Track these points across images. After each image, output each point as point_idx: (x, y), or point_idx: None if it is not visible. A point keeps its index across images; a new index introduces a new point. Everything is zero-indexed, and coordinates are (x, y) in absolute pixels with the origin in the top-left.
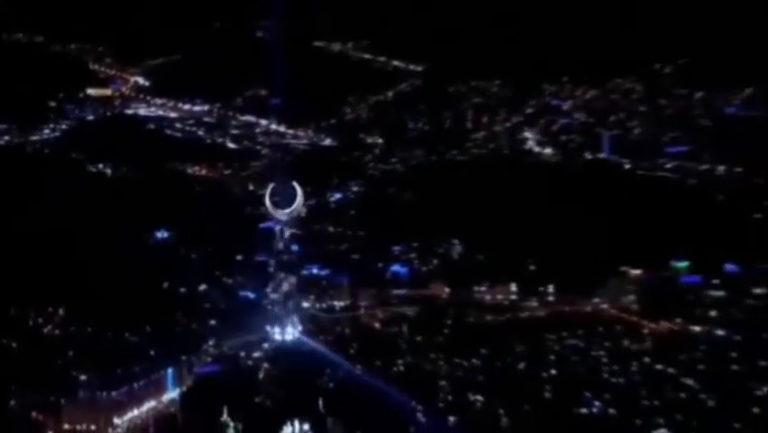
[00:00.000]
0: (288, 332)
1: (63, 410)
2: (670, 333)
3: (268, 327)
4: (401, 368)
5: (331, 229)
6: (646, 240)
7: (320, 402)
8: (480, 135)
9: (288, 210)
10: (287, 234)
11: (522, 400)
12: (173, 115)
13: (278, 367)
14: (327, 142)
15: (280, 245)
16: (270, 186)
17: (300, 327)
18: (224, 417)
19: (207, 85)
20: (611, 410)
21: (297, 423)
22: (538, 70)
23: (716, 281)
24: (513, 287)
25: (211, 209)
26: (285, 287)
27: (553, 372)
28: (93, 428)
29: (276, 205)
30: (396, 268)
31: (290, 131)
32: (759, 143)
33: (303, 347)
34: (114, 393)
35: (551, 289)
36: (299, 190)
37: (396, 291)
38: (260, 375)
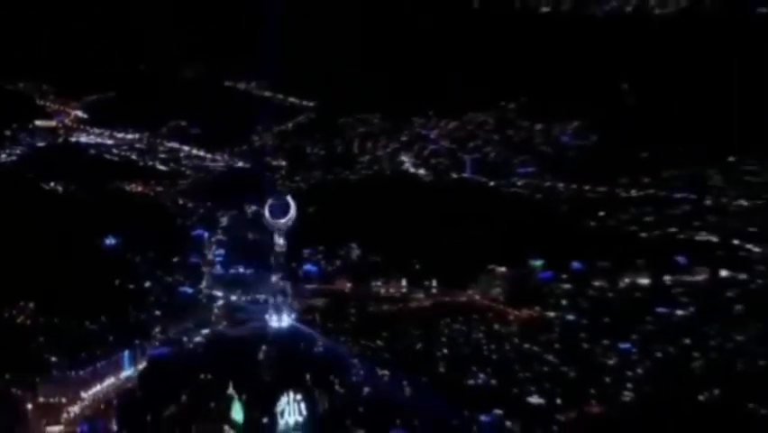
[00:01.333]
0: (284, 319)
1: (38, 387)
2: (530, 318)
3: (266, 316)
4: (320, 348)
5: (250, 236)
6: (507, 243)
7: (307, 376)
8: (366, 159)
9: (283, 220)
10: (282, 241)
11: (420, 373)
12: (109, 142)
13: (274, 348)
14: (240, 164)
15: (208, 250)
16: (269, 201)
17: (293, 316)
18: (230, 390)
19: (137, 116)
20: (493, 381)
21: (291, 394)
22: (410, 106)
23: (564, 276)
24: (403, 282)
25: (148, 220)
26: (279, 285)
27: (445, 351)
28: (63, 400)
29: (273, 216)
30: (307, 267)
31: (209, 155)
32: (588, 165)
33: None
34: (80, 372)
35: (434, 283)
36: (292, 204)
37: (308, 286)
38: (261, 356)
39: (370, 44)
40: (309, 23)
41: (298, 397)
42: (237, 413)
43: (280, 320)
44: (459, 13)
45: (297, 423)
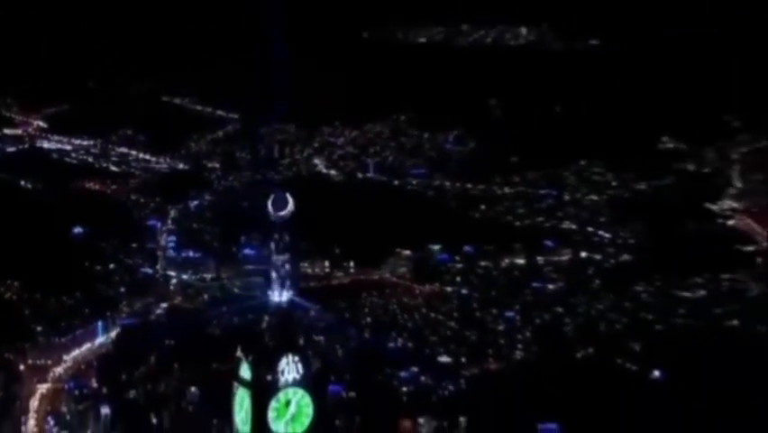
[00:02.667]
0: (284, 294)
1: (27, 351)
2: (433, 292)
3: (269, 291)
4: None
5: (194, 226)
6: (409, 231)
7: (301, 340)
8: (286, 162)
9: (283, 213)
10: (285, 239)
11: (348, 339)
12: (68, 147)
13: (275, 319)
14: (181, 166)
15: (161, 237)
16: (272, 196)
17: (292, 292)
18: (238, 352)
19: (90, 126)
20: (409, 344)
21: (292, 356)
22: (319, 117)
23: (457, 258)
24: (326, 263)
25: (108, 212)
26: (279, 263)
27: (368, 319)
28: (49, 362)
29: (275, 209)
30: (246, 250)
31: (153, 158)
32: (468, 167)
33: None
34: (61, 339)
35: (351, 264)
36: (290, 199)
37: (247, 267)
38: (264, 325)
39: (285, 65)
40: (233, 47)
41: (296, 358)
42: (245, 372)
43: (281, 295)
44: (353, 44)
45: (294, 379)
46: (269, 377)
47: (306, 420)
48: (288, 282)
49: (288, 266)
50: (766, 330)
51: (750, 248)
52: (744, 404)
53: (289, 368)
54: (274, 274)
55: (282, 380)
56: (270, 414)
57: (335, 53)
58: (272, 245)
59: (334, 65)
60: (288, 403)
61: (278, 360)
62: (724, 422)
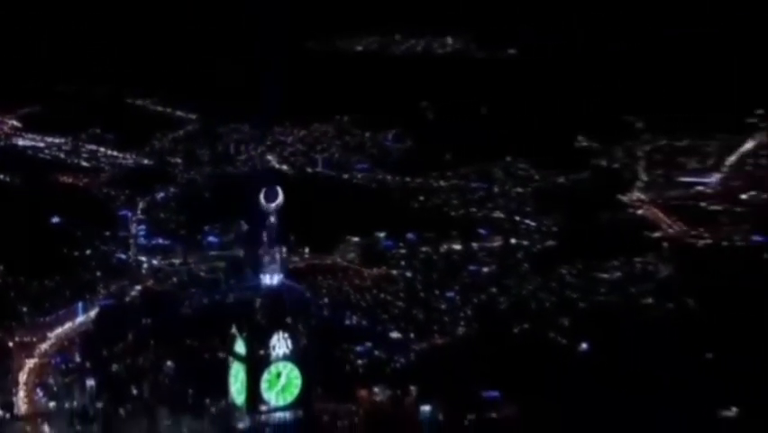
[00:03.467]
0: (275, 278)
1: (14, 330)
2: (380, 275)
3: (261, 275)
4: (232, 298)
5: (162, 215)
6: (357, 220)
7: (288, 319)
8: (242, 158)
9: (274, 204)
10: (273, 219)
11: (309, 317)
12: (41, 144)
13: (267, 300)
14: (146, 161)
15: (132, 226)
16: (264, 189)
17: (282, 275)
18: (233, 330)
19: (61, 125)
20: (363, 322)
21: (282, 333)
22: (270, 118)
23: (401, 244)
24: (284, 249)
25: (82, 203)
26: (269, 249)
27: (325, 300)
28: (35, 339)
29: (267, 200)
30: (210, 238)
31: (120, 154)
32: (406, 162)
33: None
34: (45, 318)
35: (306, 250)
36: (280, 191)
37: (211, 252)
38: (256, 305)
39: (238, 70)
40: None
41: (285, 335)
42: (240, 347)
43: (272, 279)
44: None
45: (284, 354)
46: (261, 352)
47: (295, 390)
48: (277, 267)
49: (277, 252)
50: (675, 306)
51: (657, 234)
52: (656, 369)
53: (280, 344)
54: (265, 259)
55: (273, 354)
56: (263, 385)
57: (284, 60)
58: (263, 234)
59: (283, 71)
60: (278, 375)
61: (269, 337)
62: (641, 386)
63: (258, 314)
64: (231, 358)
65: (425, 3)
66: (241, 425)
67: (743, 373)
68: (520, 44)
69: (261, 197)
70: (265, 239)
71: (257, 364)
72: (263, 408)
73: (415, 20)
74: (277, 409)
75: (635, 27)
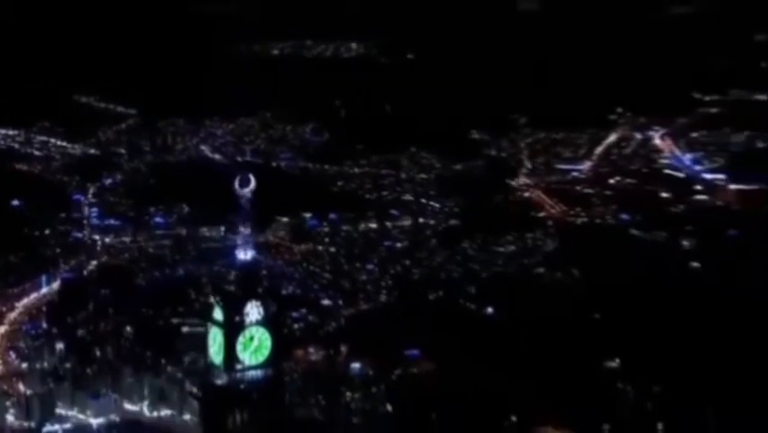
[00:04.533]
0: (247, 255)
1: None
2: (308, 251)
3: (236, 252)
4: (181, 271)
5: (111, 199)
6: (284, 203)
7: (259, 289)
8: (179, 148)
9: (247, 190)
10: (246, 204)
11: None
12: None
13: (241, 271)
14: (92, 151)
15: (85, 208)
16: (238, 177)
17: (254, 252)
18: (211, 298)
19: (13, 119)
20: (297, 291)
21: (254, 301)
22: (202, 113)
23: (325, 223)
24: (222, 228)
25: (38, 188)
26: (244, 231)
27: (263, 272)
28: (4, 309)
29: (241, 187)
30: (156, 218)
31: (69, 145)
32: (325, 152)
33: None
34: (13, 290)
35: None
36: (252, 178)
37: (158, 232)
38: (232, 276)
39: (174, 69)
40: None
41: (258, 303)
42: (218, 314)
43: (246, 254)
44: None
45: (257, 319)
46: (237, 318)
47: (266, 351)
48: (250, 244)
49: (250, 232)
50: (561, 275)
51: (542, 214)
52: (550, 328)
53: (253, 311)
54: (240, 238)
55: (247, 320)
56: (238, 347)
57: (211, 63)
58: (239, 216)
59: (212, 72)
60: (252, 338)
61: (243, 304)
62: (538, 342)
63: (233, 285)
64: (209, 324)
65: (331, 13)
66: (219, 381)
67: (623, 329)
68: (416, 50)
69: (236, 183)
70: (240, 221)
71: (233, 329)
72: (238, 366)
73: (323, 26)
74: (250, 367)
75: (514, 40)
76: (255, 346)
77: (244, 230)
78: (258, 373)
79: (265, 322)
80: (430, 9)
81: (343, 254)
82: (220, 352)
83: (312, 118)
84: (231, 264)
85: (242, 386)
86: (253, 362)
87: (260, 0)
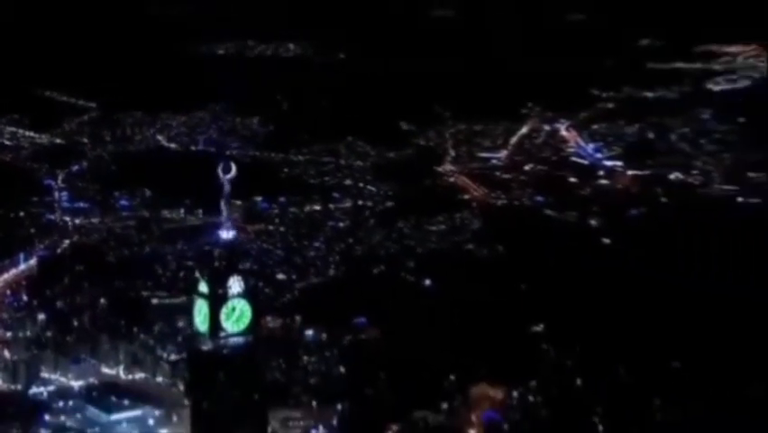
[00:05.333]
0: (229, 234)
1: None
2: (260, 230)
3: (218, 232)
4: (148, 249)
5: (79, 184)
6: (236, 187)
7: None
8: (138, 138)
9: (229, 175)
10: (228, 188)
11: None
12: None
13: (225, 250)
14: (58, 141)
15: (56, 192)
16: (221, 163)
17: (235, 231)
18: (197, 274)
19: None
20: (254, 267)
21: (236, 276)
22: (157, 106)
23: (275, 206)
24: (182, 211)
25: (10, 174)
26: (225, 213)
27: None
28: None
29: (224, 172)
30: (121, 201)
31: (37, 135)
32: (272, 141)
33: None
34: None
35: (200, 211)
36: (233, 165)
37: (124, 214)
38: (216, 254)
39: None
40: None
41: (239, 277)
42: (203, 287)
43: (228, 234)
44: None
45: (238, 292)
46: (220, 291)
47: (246, 320)
48: (231, 225)
49: (231, 213)
50: (487, 251)
51: (467, 196)
52: (483, 297)
53: (234, 284)
54: (222, 219)
55: (230, 293)
56: (222, 317)
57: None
58: (221, 201)
59: (165, 69)
60: (234, 309)
61: (226, 279)
62: (471, 309)
63: (217, 261)
64: (195, 296)
65: (269, 17)
66: (205, 347)
67: (546, 298)
68: (347, 50)
69: (219, 169)
70: (223, 204)
71: (217, 301)
72: (222, 334)
73: (263, 28)
74: (232, 334)
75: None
76: (237, 316)
77: (226, 211)
78: (239, 340)
79: (245, 294)
80: (358, 14)
81: (293, 233)
82: (205, 321)
83: (258, 111)
84: (214, 243)
85: (225, 351)
86: (235, 330)
87: (207, 4)
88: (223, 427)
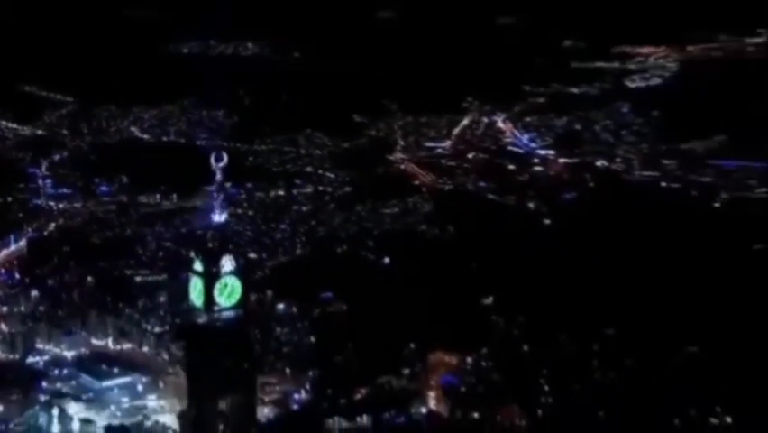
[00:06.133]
0: (221, 217)
1: None
2: (230, 213)
3: (211, 214)
4: (128, 231)
5: (61, 172)
6: (205, 174)
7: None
8: (113, 130)
9: (221, 163)
10: (219, 175)
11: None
12: None
13: (217, 231)
14: (39, 132)
15: (40, 180)
16: (214, 153)
17: (226, 214)
18: (192, 253)
19: None
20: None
21: (228, 255)
22: (130, 101)
23: (242, 192)
24: (157, 195)
25: None
26: (217, 196)
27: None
28: None
29: (216, 161)
30: (102, 188)
31: (19, 127)
32: (236, 132)
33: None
34: None
35: (174, 196)
36: (225, 154)
37: (104, 199)
38: (208, 236)
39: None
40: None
41: (231, 256)
42: (198, 266)
43: (220, 216)
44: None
45: (230, 270)
46: (214, 269)
47: (237, 296)
48: (223, 208)
49: (222, 198)
50: (438, 231)
51: (417, 182)
52: (434, 273)
53: (227, 263)
54: (215, 203)
55: (222, 270)
56: (215, 292)
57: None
58: (214, 186)
59: (136, 66)
60: (226, 285)
61: (219, 258)
62: (425, 283)
63: (210, 242)
64: (191, 274)
65: (228, 19)
66: (200, 320)
67: (494, 273)
68: (302, 50)
69: (212, 158)
70: (215, 189)
71: (211, 278)
72: (215, 308)
73: (221, 27)
74: (224, 309)
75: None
76: (229, 292)
77: (219, 197)
78: (231, 313)
79: (236, 272)
80: (309, 16)
81: (260, 217)
82: (200, 296)
83: (222, 105)
84: (207, 225)
85: (218, 324)
86: (227, 304)
87: (173, 7)
88: (216, 391)
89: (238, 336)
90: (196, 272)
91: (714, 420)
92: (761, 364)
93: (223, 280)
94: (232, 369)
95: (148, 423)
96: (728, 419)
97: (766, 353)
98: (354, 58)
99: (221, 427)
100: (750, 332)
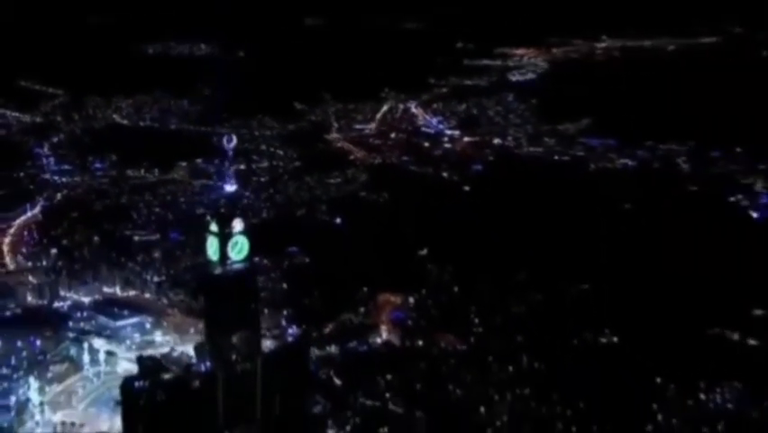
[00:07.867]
0: (231, 187)
1: None
2: (202, 184)
3: (222, 184)
4: (124, 199)
5: (60, 151)
6: (182, 152)
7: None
8: (99, 117)
9: (231, 144)
10: (231, 154)
11: None
12: None
13: (229, 200)
14: (38, 120)
15: (43, 159)
16: (225, 137)
17: (235, 186)
18: (208, 217)
19: None
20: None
21: (237, 218)
22: (111, 93)
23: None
24: (142, 171)
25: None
26: (228, 172)
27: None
28: (4, 226)
29: (227, 143)
30: (96, 164)
31: (20, 115)
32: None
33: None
34: (8, 213)
35: (156, 170)
36: (234, 137)
37: (98, 174)
38: (222, 202)
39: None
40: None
41: (240, 219)
42: (213, 227)
43: (231, 187)
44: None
45: (240, 230)
46: (227, 230)
47: (246, 251)
48: (233, 181)
49: (232, 172)
50: (376, 196)
51: (352, 157)
52: (378, 232)
53: (237, 225)
54: (227, 177)
55: (234, 231)
56: (228, 249)
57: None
58: (225, 162)
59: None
60: (237, 243)
61: (231, 221)
62: (371, 239)
63: (223, 208)
64: (207, 234)
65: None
66: (216, 272)
67: (426, 228)
68: (246, 49)
69: (224, 140)
70: (227, 166)
71: (225, 237)
72: (228, 262)
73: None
74: (236, 262)
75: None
76: (239, 248)
77: (229, 172)
78: (240, 266)
79: (245, 232)
80: (247, 22)
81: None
82: (216, 253)
83: (185, 95)
84: (220, 194)
85: (231, 274)
86: (238, 258)
87: (136, 12)
88: (230, 328)
89: (247, 283)
90: (213, 232)
91: (603, 340)
92: (636, 296)
93: (234, 239)
94: (242, 310)
95: (174, 354)
96: (615, 339)
97: (639, 286)
98: (290, 56)
99: (233, 356)
100: (626, 271)
